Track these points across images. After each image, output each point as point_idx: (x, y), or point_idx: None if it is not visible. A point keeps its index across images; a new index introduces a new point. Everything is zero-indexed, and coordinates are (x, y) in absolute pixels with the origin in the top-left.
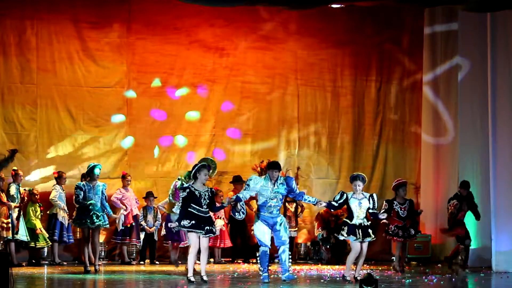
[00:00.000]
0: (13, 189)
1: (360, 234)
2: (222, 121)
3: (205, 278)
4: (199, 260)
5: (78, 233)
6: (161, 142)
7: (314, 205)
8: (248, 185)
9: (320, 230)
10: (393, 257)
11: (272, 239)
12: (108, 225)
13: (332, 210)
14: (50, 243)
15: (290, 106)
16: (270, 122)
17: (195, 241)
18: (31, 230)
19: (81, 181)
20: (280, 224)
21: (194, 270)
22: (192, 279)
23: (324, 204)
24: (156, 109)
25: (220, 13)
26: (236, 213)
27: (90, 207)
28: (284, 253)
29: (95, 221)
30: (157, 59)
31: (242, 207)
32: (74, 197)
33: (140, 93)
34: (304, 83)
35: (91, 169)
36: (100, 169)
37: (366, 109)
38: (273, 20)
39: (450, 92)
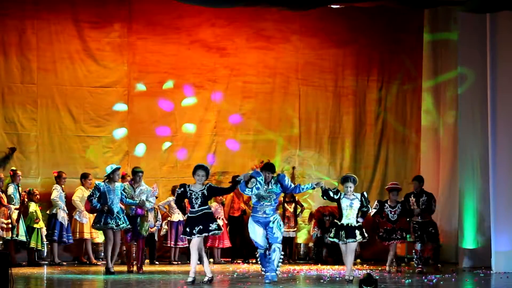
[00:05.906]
0: (11, 189)
1: (343, 235)
2: (223, 121)
3: (205, 279)
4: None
5: (77, 233)
6: (162, 142)
7: (313, 189)
8: (260, 183)
9: (316, 229)
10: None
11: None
12: (129, 226)
13: (324, 198)
14: (45, 247)
15: (291, 106)
16: (271, 122)
17: (192, 242)
18: (30, 230)
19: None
20: (273, 222)
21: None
22: (189, 279)
23: (323, 184)
24: (157, 109)
25: (221, 13)
26: (247, 189)
27: (105, 208)
28: (275, 252)
29: (119, 223)
30: (158, 59)
31: (254, 184)
32: (88, 196)
33: (141, 93)
34: (305, 83)
35: (113, 171)
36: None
37: (367, 109)
38: (274, 20)
39: (450, 93)
